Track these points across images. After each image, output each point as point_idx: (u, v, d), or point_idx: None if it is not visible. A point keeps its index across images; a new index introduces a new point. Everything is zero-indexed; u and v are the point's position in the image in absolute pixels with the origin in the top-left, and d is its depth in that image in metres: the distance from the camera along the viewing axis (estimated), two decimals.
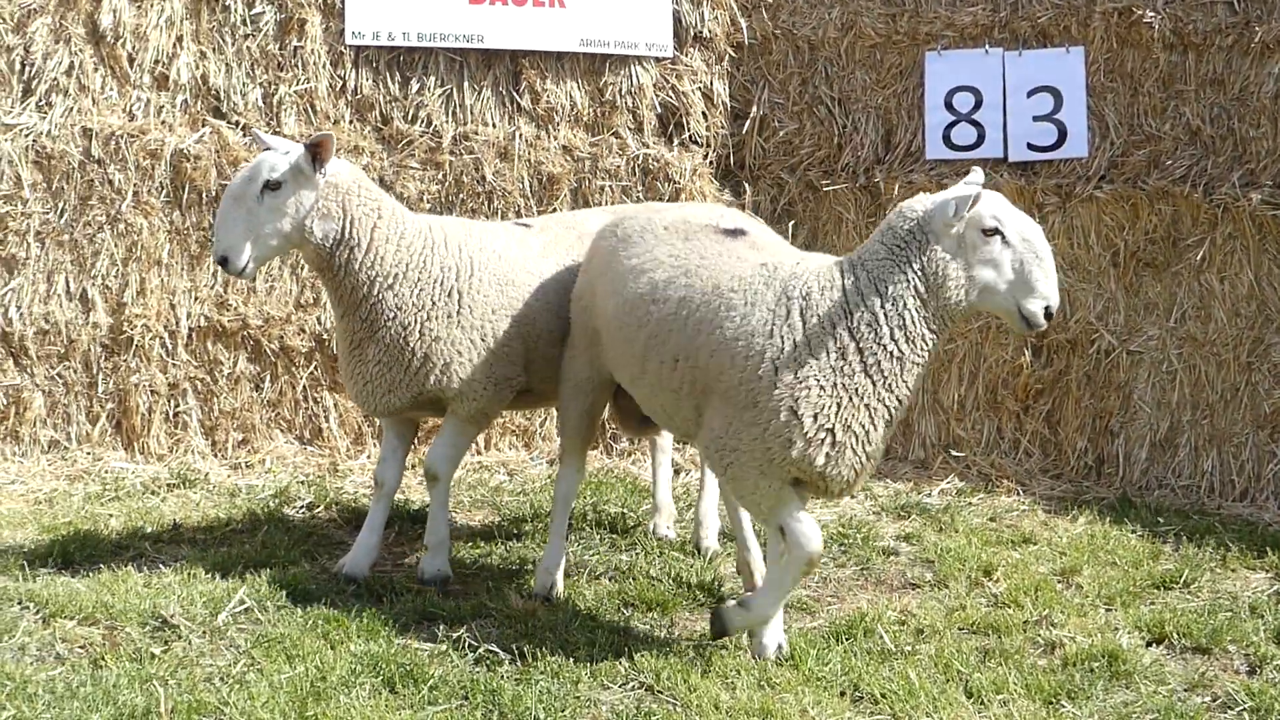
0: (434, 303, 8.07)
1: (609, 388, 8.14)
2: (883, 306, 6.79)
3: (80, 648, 7.06)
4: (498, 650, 7.12)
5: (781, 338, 6.85)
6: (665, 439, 9.46)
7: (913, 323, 6.80)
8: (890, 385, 6.83)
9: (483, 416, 8.39)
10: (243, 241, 7.80)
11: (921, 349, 6.85)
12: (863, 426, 6.82)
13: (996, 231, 6.78)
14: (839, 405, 6.77)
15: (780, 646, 7.26)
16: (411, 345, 8.05)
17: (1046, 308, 6.88)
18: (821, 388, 6.76)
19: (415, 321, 8.05)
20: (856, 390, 6.77)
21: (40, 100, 10.47)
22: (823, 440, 6.79)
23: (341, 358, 8.44)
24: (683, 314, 7.22)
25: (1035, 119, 11.08)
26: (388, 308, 8.03)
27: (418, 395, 8.18)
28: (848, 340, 6.79)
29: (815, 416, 6.76)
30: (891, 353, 6.79)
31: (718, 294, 7.11)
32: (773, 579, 7.19)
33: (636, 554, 8.83)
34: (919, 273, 6.81)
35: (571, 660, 7.01)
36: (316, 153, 7.85)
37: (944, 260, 6.80)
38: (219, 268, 8.33)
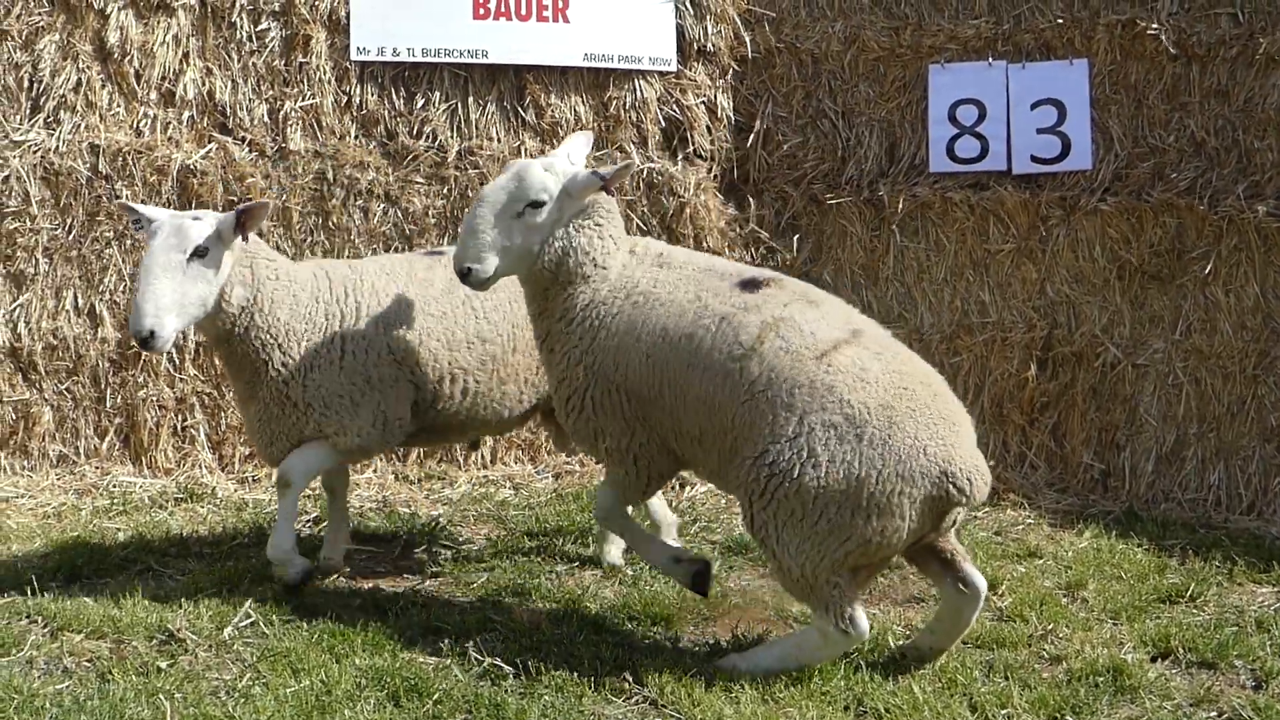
0: (317, 353, 7.94)
1: None
2: None
3: (87, 661, 7.07)
4: (502, 664, 7.10)
5: None
6: None
7: None
8: None
9: (361, 452, 8.24)
10: (169, 313, 7.42)
11: None
12: None
13: None
14: None
15: None
16: (294, 398, 7.94)
17: None
18: None
19: (299, 375, 7.92)
20: None
21: (48, 117, 10.51)
22: None
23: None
24: None
25: (1039, 131, 11.09)
26: (275, 366, 7.91)
27: (299, 439, 8.05)
28: None
29: None
30: None
31: None
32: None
33: (641, 567, 8.82)
34: None
35: (576, 674, 6.99)
36: (244, 220, 7.65)
37: None
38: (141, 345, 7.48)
